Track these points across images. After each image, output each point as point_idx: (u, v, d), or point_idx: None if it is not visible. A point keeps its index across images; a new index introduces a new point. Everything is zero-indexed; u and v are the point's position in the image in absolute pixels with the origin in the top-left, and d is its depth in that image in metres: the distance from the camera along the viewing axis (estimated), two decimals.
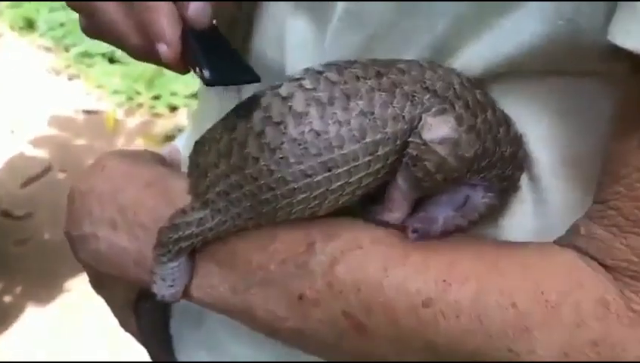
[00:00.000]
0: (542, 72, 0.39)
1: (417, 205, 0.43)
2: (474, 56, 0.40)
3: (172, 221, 0.44)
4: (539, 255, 0.38)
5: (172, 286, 0.46)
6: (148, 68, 2.55)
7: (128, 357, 1.66)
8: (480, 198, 0.42)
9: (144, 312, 0.61)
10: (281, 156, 0.39)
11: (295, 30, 0.47)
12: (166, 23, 0.41)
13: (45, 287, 1.92)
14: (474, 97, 0.40)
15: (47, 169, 2.36)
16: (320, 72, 0.40)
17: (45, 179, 2.33)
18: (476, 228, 0.43)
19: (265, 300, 0.43)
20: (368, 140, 0.38)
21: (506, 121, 0.40)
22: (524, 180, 0.43)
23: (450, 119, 0.38)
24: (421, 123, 0.38)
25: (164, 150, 0.60)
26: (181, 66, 0.43)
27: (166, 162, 0.54)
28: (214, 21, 0.44)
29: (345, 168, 0.39)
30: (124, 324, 0.63)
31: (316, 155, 0.39)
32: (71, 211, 0.50)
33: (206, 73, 0.40)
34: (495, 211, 0.43)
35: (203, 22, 0.42)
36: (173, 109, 2.61)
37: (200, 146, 0.45)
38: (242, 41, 0.52)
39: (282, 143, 0.39)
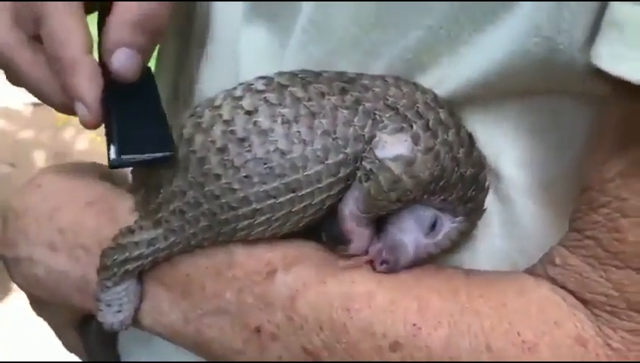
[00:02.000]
0: (518, 91, 0.37)
1: (381, 225, 0.40)
2: (447, 73, 0.38)
3: (117, 241, 0.41)
4: (514, 291, 0.36)
5: (119, 312, 0.43)
6: None
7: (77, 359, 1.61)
8: (449, 223, 0.40)
9: (91, 333, 0.57)
10: (244, 174, 0.37)
11: (251, 42, 0.44)
12: (85, 85, 0.39)
13: None
14: (437, 116, 0.38)
15: None
16: (284, 86, 0.39)
17: None
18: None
19: (220, 331, 0.40)
20: (330, 161, 0.37)
21: (470, 142, 0.39)
22: (495, 202, 0.41)
23: (406, 138, 0.37)
24: (376, 140, 0.37)
25: None
26: (101, 124, 0.40)
27: (111, 175, 0.50)
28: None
29: (309, 189, 0.38)
30: (68, 346, 0.59)
31: (280, 175, 0.37)
32: (5, 232, 0.46)
33: (111, 153, 0.38)
34: (466, 236, 0.41)
35: (129, 77, 0.40)
36: None
37: None
38: (194, 69, 0.49)
39: (246, 161, 0.37)
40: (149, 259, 0.41)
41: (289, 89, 0.38)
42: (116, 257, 0.41)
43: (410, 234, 0.39)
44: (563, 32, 0.33)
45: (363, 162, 0.37)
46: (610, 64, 0.31)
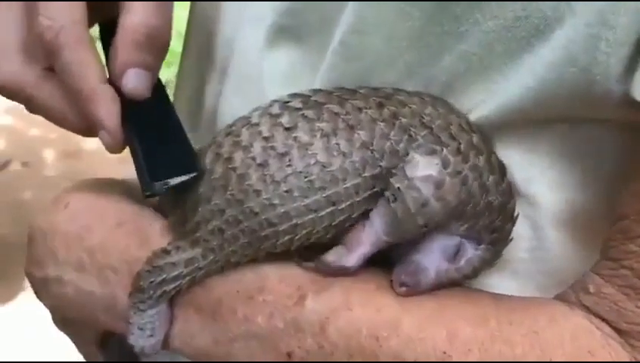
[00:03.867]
0: (552, 118, 0.37)
1: (405, 255, 0.40)
2: (481, 98, 0.38)
3: (152, 263, 0.41)
4: (545, 319, 0.36)
5: (151, 335, 0.42)
6: None
7: None
8: (473, 250, 0.39)
9: (112, 348, 0.57)
10: (285, 189, 0.37)
11: (275, 67, 0.44)
12: (105, 114, 0.39)
13: (5, 285, 1.86)
14: (469, 140, 0.38)
15: (6, 163, 2.27)
16: (321, 104, 0.39)
17: (3, 172, 2.25)
18: None
19: (251, 355, 0.40)
20: (367, 174, 0.37)
21: (500, 170, 0.39)
22: (524, 227, 0.40)
23: (437, 161, 0.37)
24: (408, 158, 0.37)
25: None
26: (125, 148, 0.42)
27: (137, 194, 0.50)
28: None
29: (348, 202, 0.38)
30: (90, 359, 0.59)
31: (321, 188, 0.37)
32: (32, 251, 0.46)
33: (143, 184, 0.40)
34: (490, 265, 0.40)
35: (142, 95, 0.40)
36: None
37: None
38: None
39: (287, 176, 0.37)
40: (187, 278, 0.41)
41: (326, 106, 0.39)
42: (152, 279, 0.41)
43: (431, 258, 0.39)
44: (600, 64, 0.33)
45: (391, 180, 0.37)
46: None
